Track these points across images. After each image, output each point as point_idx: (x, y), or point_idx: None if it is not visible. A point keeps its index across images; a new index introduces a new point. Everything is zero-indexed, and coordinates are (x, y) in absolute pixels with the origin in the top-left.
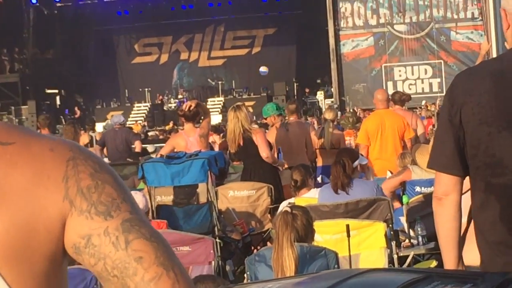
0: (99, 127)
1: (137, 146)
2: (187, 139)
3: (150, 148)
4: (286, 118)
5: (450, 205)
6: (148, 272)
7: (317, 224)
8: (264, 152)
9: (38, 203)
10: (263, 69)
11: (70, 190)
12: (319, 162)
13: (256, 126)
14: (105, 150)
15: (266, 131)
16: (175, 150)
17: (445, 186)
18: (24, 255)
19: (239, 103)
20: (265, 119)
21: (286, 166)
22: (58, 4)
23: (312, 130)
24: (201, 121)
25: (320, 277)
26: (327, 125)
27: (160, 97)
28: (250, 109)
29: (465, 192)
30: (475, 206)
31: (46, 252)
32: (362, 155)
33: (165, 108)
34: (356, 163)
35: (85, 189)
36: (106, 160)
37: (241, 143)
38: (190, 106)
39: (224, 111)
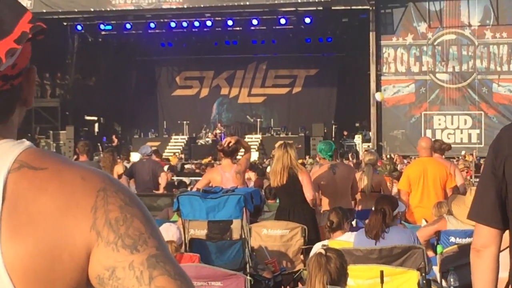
0: (135, 157)
1: (162, 178)
2: (223, 174)
3: (186, 180)
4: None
5: (488, 257)
6: None
7: (351, 268)
8: (309, 193)
9: (65, 230)
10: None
11: (98, 221)
12: (358, 206)
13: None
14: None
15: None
16: (211, 185)
17: (484, 238)
18: (47, 281)
19: (289, 141)
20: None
21: (326, 208)
22: (103, 32)
23: None
24: (239, 156)
25: None
26: (367, 169)
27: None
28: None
29: (503, 249)
30: None
31: (69, 280)
32: (400, 200)
33: (202, 142)
34: (396, 211)
35: (114, 221)
36: (133, 190)
37: (285, 181)
38: (230, 142)
39: (261, 148)
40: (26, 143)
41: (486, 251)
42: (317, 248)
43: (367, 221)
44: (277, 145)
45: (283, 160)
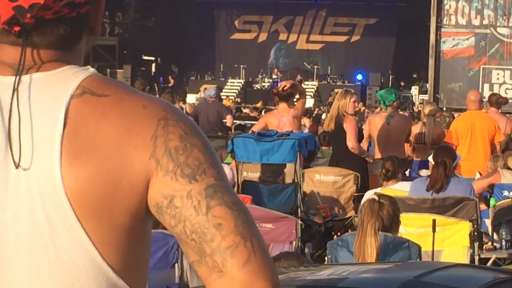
0: (191, 98)
1: (228, 120)
2: (280, 118)
3: (242, 124)
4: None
5: None
6: (225, 240)
7: (403, 217)
8: (350, 142)
9: (124, 158)
10: None
11: (158, 149)
12: (416, 157)
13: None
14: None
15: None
16: (267, 129)
17: None
18: (105, 207)
19: (351, 90)
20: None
21: (379, 156)
22: None
23: None
24: (295, 101)
25: (406, 266)
26: (429, 120)
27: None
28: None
29: None
30: None
31: (128, 207)
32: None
33: (258, 86)
34: (455, 162)
35: (173, 149)
36: None
37: (333, 128)
38: (285, 86)
39: (317, 95)
40: (90, 69)
41: None
42: (369, 195)
43: (421, 171)
44: (339, 92)
45: (334, 108)
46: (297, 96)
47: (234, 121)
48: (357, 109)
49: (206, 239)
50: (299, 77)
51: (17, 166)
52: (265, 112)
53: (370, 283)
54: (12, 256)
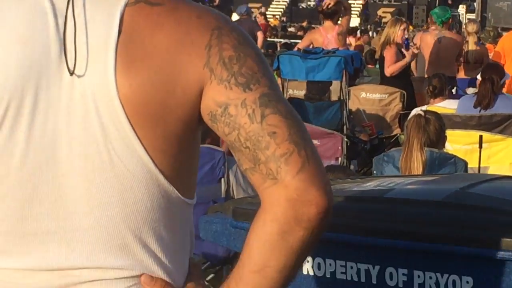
0: (235, 17)
1: (259, 37)
2: (325, 35)
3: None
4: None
5: None
6: (280, 148)
7: (449, 133)
8: (387, 69)
9: (179, 66)
10: None
11: (212, 59)
12: (459, 75)
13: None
14: None
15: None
16: (312, 46)
17: None
18: (159, 114)
19: (402, 18)
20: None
21: (427, 76)
22: None
23: None
24: (340, 19)
25: (453, 178)
26: (471, 39)
27: None
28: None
29: None
30: None
31: (180, 115)
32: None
33: (304, 5)
34: (503, 79)
35: (227, 59)
36: None
37: (379, 55)
38: (329, 4)
39: (362, 14)
40: None
41: None
42: (416, 112)
43: (468, 90)
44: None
45: (383, 35)
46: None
47: (280, 39)
48: (406, 36)
49: (261, 146)
50: None
51: (71, 73)
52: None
53: (417, 193)
54: (65, 163)
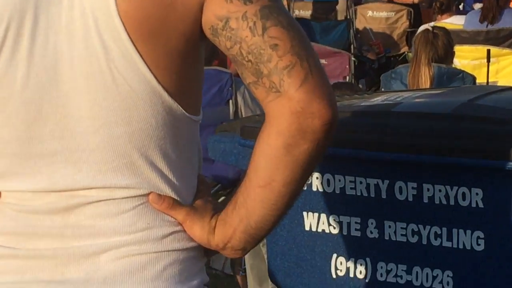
0: None
1: None
2: None
3: None
4: None
5: None
6: (282, 60)
7: (457, 49)
8: None
9: None
10: None
11: None
12: None
13: None
14: None
15: None
16: None
17: None
18: (160, 30)
19: None
20: None
21: None
22: None
23: None
24: None
25: (461, 90)
26: None
27: None
28: None
29: None
30: None
31: (182, 30)
32: None
33: None
34: None
35: None
36: None
37: None
38: None
39: None
40: None
41: None
42: (423, 28)
43: (474, 5)
44: None
45: None
46: None
47: None
48: None
49: (263, 59)
50: None
51: None
52: None
53: (425, 106)
54: (68, 82)
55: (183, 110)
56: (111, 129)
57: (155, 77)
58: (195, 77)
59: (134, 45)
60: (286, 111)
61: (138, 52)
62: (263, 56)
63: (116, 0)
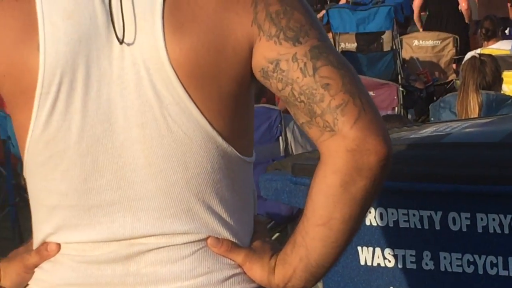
0: None
1: None
2: None
3: None
4: None
5: None
6: (334, 99)
7: (505, 74)
8: (466, 4)
9: (227, 26)
10: None
11: (259, 15)
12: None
13: None
14: None
15: None
16: None
17: None
18: (212, 75)
19: None
20: None
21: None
22: None
23: None
24: None
25: (510, 118)
26: None
27: None
28: None
29: None
30: None
31: (233, 74)
32: None
33: None
34: None
35: (274, 14)
36: None
37: None
38: None
39: None
40: None
41: None
42: (470, 55)
43: None
44: None
45: None
46: None
47: None
48: None
49: (315, 99)
50: None
51: (121, 42)
52: None
53: (474, 135)
54: (122, 133)
55: (237, 153)
56: (168, 176)
57: (208, 121)
58: (247, 118)
59: (187, 92)
60: (341, 149)
61: (191, 98)
62: (315, 96)
63: (167, 49)
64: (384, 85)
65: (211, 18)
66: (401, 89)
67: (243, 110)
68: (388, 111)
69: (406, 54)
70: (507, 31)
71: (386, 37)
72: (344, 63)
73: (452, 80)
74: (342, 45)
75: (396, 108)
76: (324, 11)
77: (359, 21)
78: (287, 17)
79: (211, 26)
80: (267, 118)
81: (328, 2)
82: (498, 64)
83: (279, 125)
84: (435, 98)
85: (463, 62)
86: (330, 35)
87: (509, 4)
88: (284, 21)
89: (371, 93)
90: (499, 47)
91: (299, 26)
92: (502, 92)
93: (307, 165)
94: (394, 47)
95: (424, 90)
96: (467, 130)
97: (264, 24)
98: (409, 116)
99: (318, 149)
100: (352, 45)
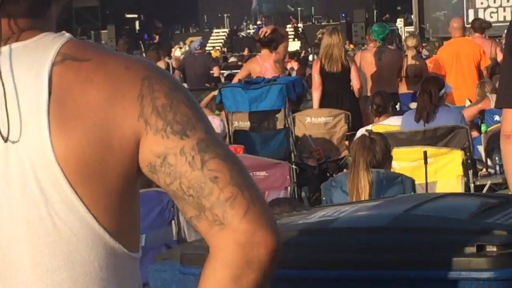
0: (177, 53)
1: (215, 71)
2: (262, 64)
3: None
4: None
5: None
6: (223, 192)
7: (395, 151)
8: (356, 81)
9: (113, 121)
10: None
11: (145, 109)
12: (401, 90)
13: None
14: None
15: None
16: (251, 76)
17: None
18: (99, 171)
19: (337, 27)
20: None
21: (369, 94)
22: None
23: None
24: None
25: (397, 201)
26: (410, 53)
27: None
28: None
29: None
30: None
31: (120, 170)
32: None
33: (243, 34)
34: (443, 91)
35: (161, 108)
36: (185, 85)
37: (340, 68)
38: (266, 32)
39: (303, 37)
40: (66, 35)
41: None
42: (361, 132)
43: (411, 104)
44: (326, 30)
45: (339, 46)
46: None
47: (222, 71)
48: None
49: (204, 193)
50: (294, 20)
51: (5, 140)
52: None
53: (361, 220)
54: (8, 230)
55: (124, 249)
56: (55, 275)
57: (95, 219)
58: (134, 213)
59: (74, 189)
60: (231, 243)
61: (78, 196)
62: (204, 189)
63: (53, 146)
64: (277, 164)
65: (97, 114)
66: (294, 167)
67: (130, 206)
68: (282, 191)
69: (299, 131)
70: (397, 107)
71: (279, 115)
72: (231, 156)
73: (344, 156)
74: (236, 124)
75: (289, 187)
76: (217, 91)
77: (252, 100)
78: (173, 111)
79: (97, 122)
80: (159, 202)
81: (223, 79)
82: (387, 142)
83: (172, 209)
84: (328, 174)
85: (353, 141)
86: (223, 114)
87: (398, 79)
88: (170, 114)
89: (264, 172)
90: (389, 123)
91: (186, 119)
92: (392, 169)
93: (196, 254)
94: (287, 125)
95: (317, 168)
96: (355, 214)
97: (150, 118)
98: (303, 194)
99: (208, 243)
100: (245, 124)
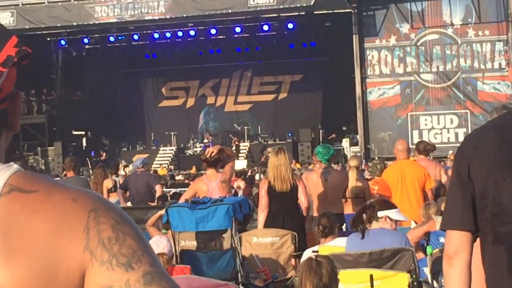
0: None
1: (158, 190)
2: (208, 184)
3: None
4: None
5: (460, 265)
6: None
7: (341, 274)
8: (305, 200)
9: (59, 252)
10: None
11: (91, 241)
12: (347, 210)
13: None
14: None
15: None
16: (197, 195)
17: (456, 245)
18: None
19: (283, 147)
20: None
21: (317, 214)
22: (87, 46)
23: None
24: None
25: None
26: (351, 174)
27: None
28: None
29: None
30: (485, 260)
31: None
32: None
33: (190, 152)
34: (384, 213)
35: (106, 240)
36: (128, 203)
37: (289, 187)
38: (212, 152)
39: (249, 156)
40: (14, 166)
41: (458, 258)
42: (308, 254)
43: None
44: (272, 150)
45: (286, 166)
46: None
47: (170, 189)
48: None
49: None
50: (235, 139)
51: None
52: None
53: None
54: None
55: None
56: None
57: None
58: None
59: None
60: None
61: None
62: None
63: None
64: (223, 285)
65: (43, 244)
66: (241, 287)
67: None
68: None
69: (246, 251)
70: (343, 227)
71: (226, 235)
72: (176, 287)
73: (291, 276)
74: (182, 243)
75: None
76: (164, 210)
77: (199, 220)
78: (119, 243)
79: (43, 253)
80: None
81: (169, 198)
82: (334, 264)
83: None
84: None
85: (300, 263)
86: (170, 233)
87: (343, 200)
88: (116, 247)
89: None
90: (335, 244)
91: (132, 252)
92: None
93: None
94: (233, 245)
95: None
96: None
97: (96, 250)
98: None
99: None
100: (192, 243)
